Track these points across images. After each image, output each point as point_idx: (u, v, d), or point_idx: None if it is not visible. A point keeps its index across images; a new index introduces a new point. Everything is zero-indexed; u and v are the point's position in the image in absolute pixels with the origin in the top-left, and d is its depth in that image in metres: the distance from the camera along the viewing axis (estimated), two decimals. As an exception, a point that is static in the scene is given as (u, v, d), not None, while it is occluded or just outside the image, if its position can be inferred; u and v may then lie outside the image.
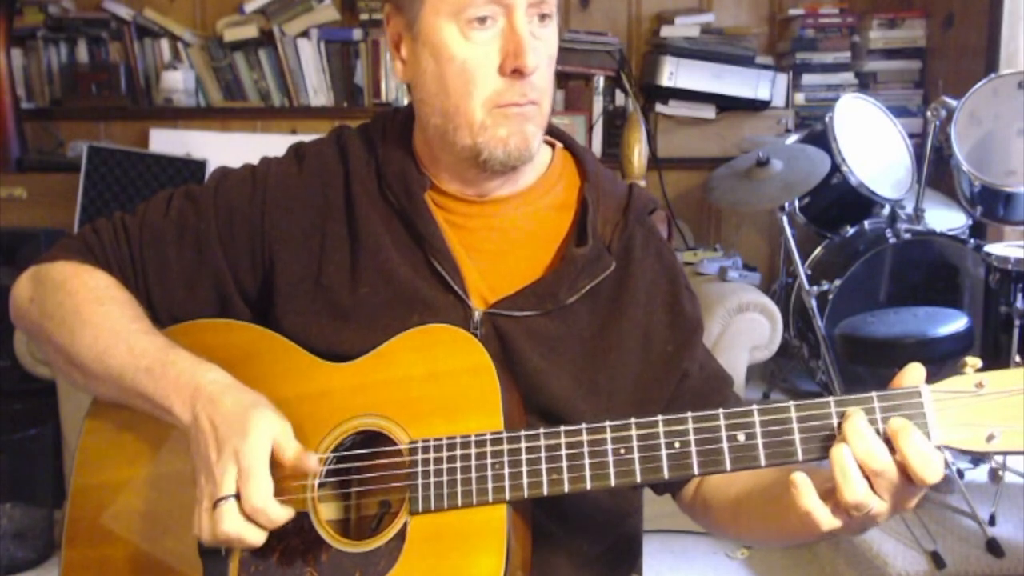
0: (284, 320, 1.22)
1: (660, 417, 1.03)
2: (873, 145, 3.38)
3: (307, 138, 1.33)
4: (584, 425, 1.05)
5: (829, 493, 0.97)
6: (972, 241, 3.26)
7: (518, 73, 1.11)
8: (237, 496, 1.06)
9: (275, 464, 1.09)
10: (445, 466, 1.08)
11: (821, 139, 3.25)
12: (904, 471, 0.94)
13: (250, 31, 3.95)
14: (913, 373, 0.99)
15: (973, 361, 0.96)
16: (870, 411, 0.96)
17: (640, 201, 1.27)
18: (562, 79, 4.03)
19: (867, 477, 0.95)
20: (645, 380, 1.23)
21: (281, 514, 1.07)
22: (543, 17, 1.14)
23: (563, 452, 1.05)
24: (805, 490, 0.96)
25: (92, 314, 1.20)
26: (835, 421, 0.97)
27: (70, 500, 1.23)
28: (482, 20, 1.11)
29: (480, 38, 1.11)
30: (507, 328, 1.19)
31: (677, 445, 1.02)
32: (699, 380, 1.25)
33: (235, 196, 1.25)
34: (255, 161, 1.31)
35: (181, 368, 1.14)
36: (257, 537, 1.07)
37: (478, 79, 1.12)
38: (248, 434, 1.06)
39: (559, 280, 1.20)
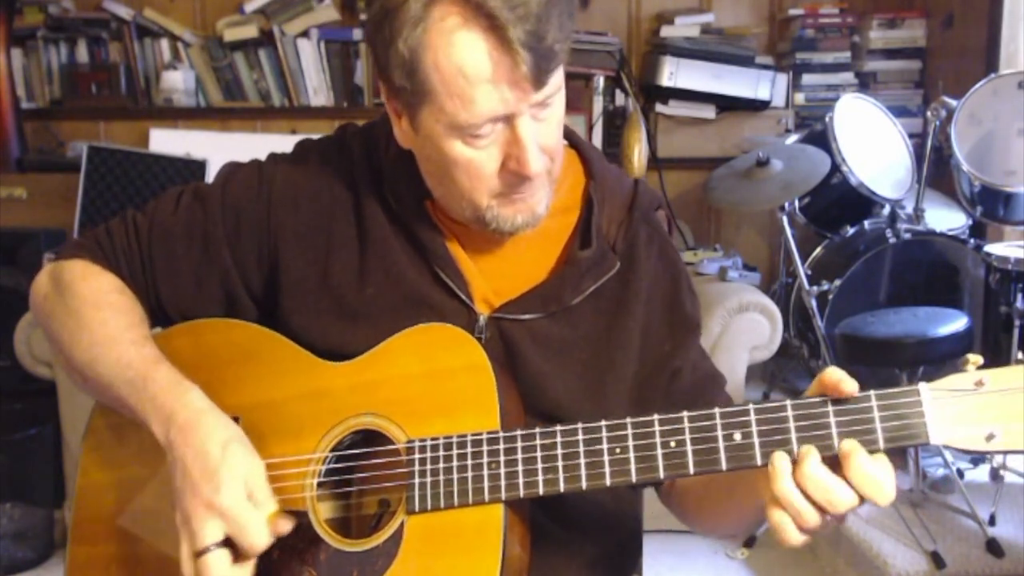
0: (291, 319, 1.22)
1: (656, 416, 1.03)
2: (873, 145, 3.38)
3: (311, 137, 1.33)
4: (580, 425, 1.05)
5: None
6: (972, 241, 3.26)
7: (522, 176, 1.10)
8: (222, 543, 1.06)
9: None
10: (442, 465, 1.08)
11: (821, 139, 3.25)
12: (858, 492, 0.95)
13: (250, 31, 3.95)
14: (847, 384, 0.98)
15: (975, 358, 0.95)
16: (867, 410, 0.96)
17: (645, 198, 1.27)
18: (562, 79, 4.02)
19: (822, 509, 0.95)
20: (641, 379, 1.23)
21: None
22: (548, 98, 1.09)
23: (559, 452, 1.05)
24: (788, 531, 0.97)
25: (90, 320, 1.20)
26: (832, 420, 0.97)
27: (76, 498, 1.24)
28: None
29: (483, 143, 1.08)
30: (512, 331, 1.19)
31: (673, 444, 1.02)
32: (690, 380, 1.24)
33: (242, 194, 1.25)
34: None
35: (159, 387, 1.14)
36: None
37: (483, 177, 1.10)
38: (223, 481, 1.06)
39: (563, 282, 1.20)
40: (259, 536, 1.06)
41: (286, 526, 1.09)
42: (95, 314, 1.20)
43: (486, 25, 1.01)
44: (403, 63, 1.05)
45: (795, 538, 0.96)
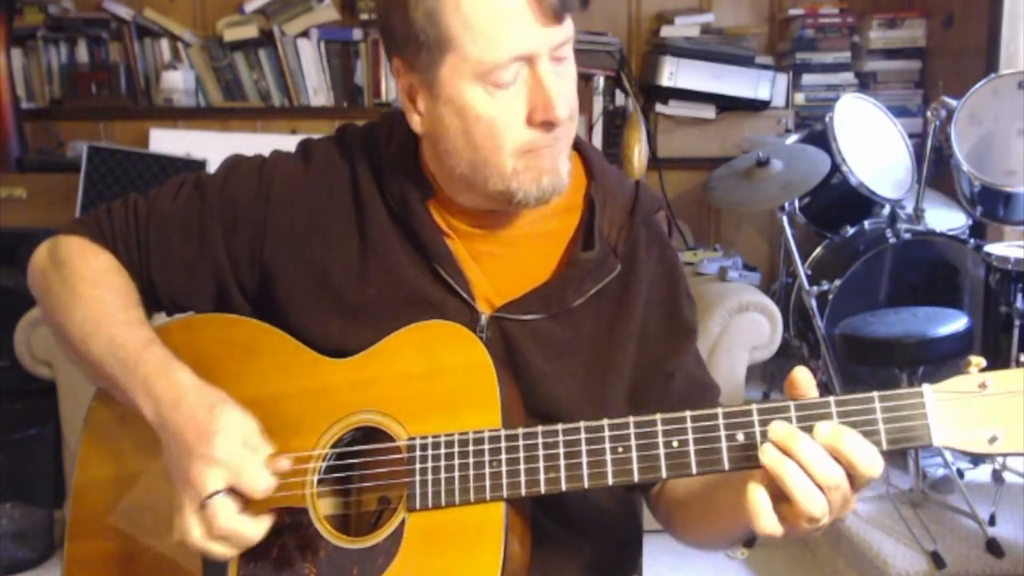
0: (290, 318, 1.22)
1: (658, 416, 1.03)
2: (873, 145, 3.38)
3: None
4: (582, 424, 1.05)
5: (777, 499, 0.96)
6: (972, 241, 3.26)
7: (549, 124, 1.10)
8: (226, 492, 1.06)
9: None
10: (443, 463, 1.08)
11: (821, 139, 3.25)
12: (850, 473, 0.94)
13: (250, 31, 3.95)
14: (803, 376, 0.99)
15: (977, 360, 0.95)
16: (870, 411, 0.96)
17: (646, 201, 1.27)
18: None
19: (820, 490, 0.94)
20: (637, 380, 1.23)
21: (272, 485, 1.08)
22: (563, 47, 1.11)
23: (561, 451, 1.05)
24: (764, 511, 0.96)
25: (86, 297, 1.21)
26: (835, 420, 0.96)
27: (73, 495, 1.24)
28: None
29: (506, 94, 1.08)
30: (513, 332, 1.19)
31: (675, 444, 1.02)
32: (683, 385, 1.24)
33: (241, 190, 1.25)
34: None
35: (150, 368, 1.14)
36: (256, 530, 1.07)
37: (507, 133, 1.10)
38: (216, 433, 1.07)
39: (565, 284, 1.20)
40: (258, 477, 1.06)
41: (285, 464, 1.09)
42: (91, 291, 1.21)
43: None
44: (424, 14, 1.06)
45: (769, 519, 0.95)
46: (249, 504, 1.08)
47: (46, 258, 1.28)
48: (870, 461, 0.94)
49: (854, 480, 0.95)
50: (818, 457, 0.94)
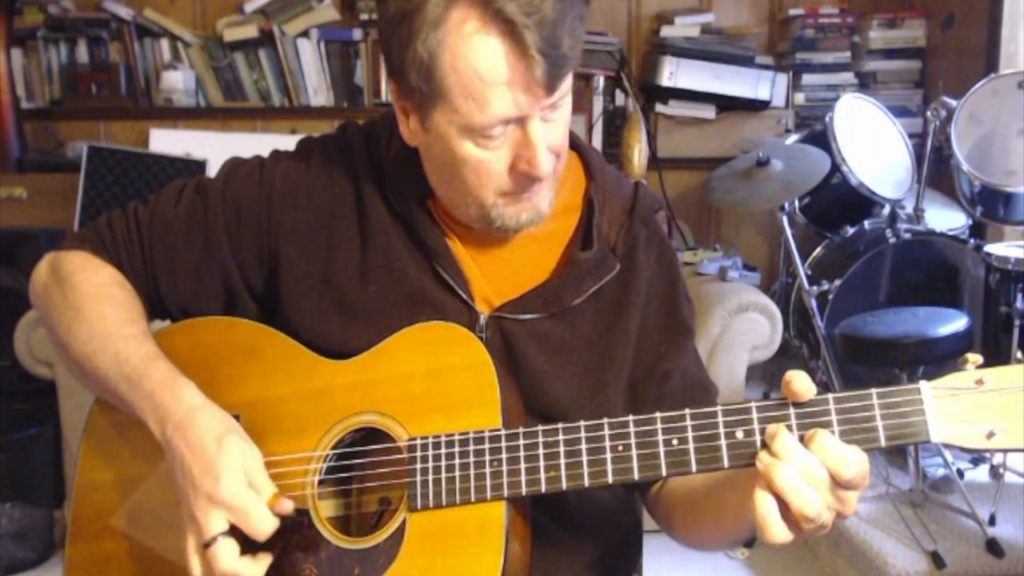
0: (292, 317, 1.22)
1: (658, 414, 1.03)
2: (873, 145, 3.38)
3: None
4: (582, 423, 1.05)
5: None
6: (972, 241, 3.26)
7: (530, 179, 1.11)
8: (228, 533, 1.07)
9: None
10: (444, 463, 1.08)
11: (821, 139, 3.25)
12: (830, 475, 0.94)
13: (250, 31, 3.95)
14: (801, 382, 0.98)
15: (974, 357, 0.96)
16: (868, 407, 0.96)
17: (645, 202, 1.27)
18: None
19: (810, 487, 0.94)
20: (635, 379, 1.23)
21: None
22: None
23: (561, 449, 1.05)
24: (773, 519, 0.95)
25: (89, 313, 1.21)
26: (833, 417, 0.97)
27: (74, 497, 1.24)
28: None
29: (493, 144, 1.09)
30: (512, 331, 1.19)
31: (675, 442, 1.02)
32: (680, 384, 1.25)
33: (243, 191, 1.25)
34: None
35: (155, 384, 1.14)
36: (255, 572, 1.08)
37: (491, 176, 1.11)
38: (223, 472, 1.07)
39: (564, 283, 1.20)
40: (263, 520, 1.07)
41: (287, 506, 1.09)
42: (94, 307, 1.21)
43: (504, 30, 1.02)
44: (420, 64, 1.06)
45: (778, 527, 0.95)
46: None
47: (47, 274, 1.27)
48: (841, 460, 0.93)
49: (840, 481, 0.95)
50: (798, 454, 0.94)
